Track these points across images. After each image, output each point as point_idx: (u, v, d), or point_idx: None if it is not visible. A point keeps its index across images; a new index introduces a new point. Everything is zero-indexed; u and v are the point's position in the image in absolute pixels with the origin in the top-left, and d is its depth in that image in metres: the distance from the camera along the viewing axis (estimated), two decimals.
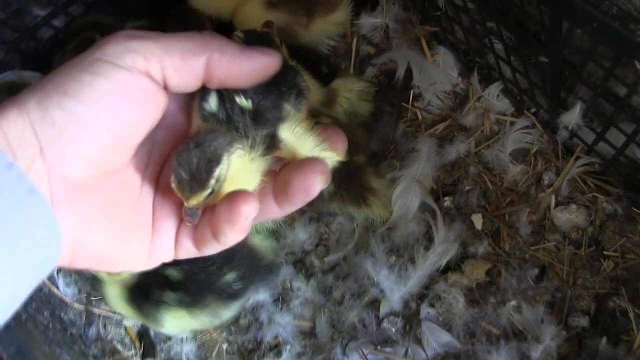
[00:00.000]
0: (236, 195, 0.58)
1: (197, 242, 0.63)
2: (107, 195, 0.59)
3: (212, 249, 0.63)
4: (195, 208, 0.59)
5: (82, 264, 0.59)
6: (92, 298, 1.05)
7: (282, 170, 0.63)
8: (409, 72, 1.14)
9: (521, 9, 0.81)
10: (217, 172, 0.58)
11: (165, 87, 0.60)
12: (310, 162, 0.60)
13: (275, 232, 1.07)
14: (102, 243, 0.58)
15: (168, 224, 0.64)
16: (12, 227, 0.50)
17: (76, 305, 0.99)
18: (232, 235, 0.59)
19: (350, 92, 1.08)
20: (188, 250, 0.64)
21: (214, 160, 0.57)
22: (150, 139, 0.64)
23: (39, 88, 0.55)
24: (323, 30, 1.19)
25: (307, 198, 0.61)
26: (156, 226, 0.64)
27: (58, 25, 1.11)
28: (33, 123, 0.53)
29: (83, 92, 0.54)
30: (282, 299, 1.07)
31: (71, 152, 0.54)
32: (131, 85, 0.56)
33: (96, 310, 1.00)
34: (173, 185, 0.58)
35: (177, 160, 0.57)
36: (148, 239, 0.63)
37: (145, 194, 0.64)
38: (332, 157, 0.66)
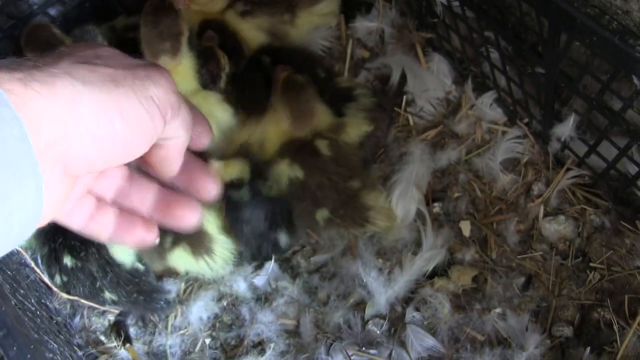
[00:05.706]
0: None
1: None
2: None
3: None
4: None
5: None
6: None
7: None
8: (402, 77, 1.14)
9: (520, 20, 0.82)
10: None
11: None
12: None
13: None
14: None
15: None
16: None
17: (62, 294, 0.98)
18: None
19: (358, 128, 1.05)
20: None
21: None
22: None
23: None
24: (310, 23, 1.18)
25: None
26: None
27: (53, 14, 1.11)
28: None
29: None
30: (265, 298, 1.06)
31: None
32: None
33: (82, 300, 0.99)
34: None
35: None
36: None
37: None
38: None
